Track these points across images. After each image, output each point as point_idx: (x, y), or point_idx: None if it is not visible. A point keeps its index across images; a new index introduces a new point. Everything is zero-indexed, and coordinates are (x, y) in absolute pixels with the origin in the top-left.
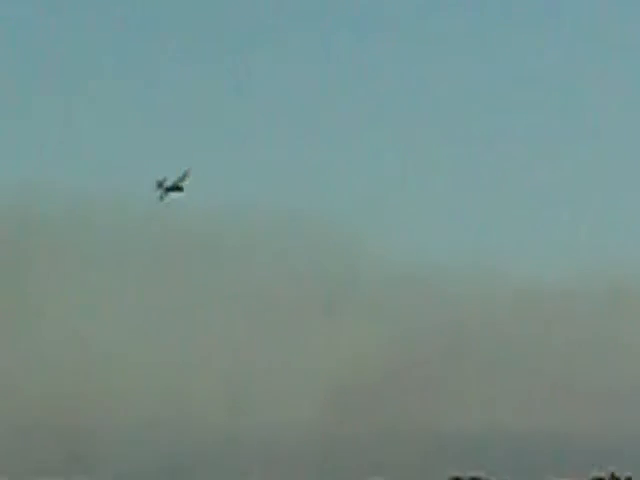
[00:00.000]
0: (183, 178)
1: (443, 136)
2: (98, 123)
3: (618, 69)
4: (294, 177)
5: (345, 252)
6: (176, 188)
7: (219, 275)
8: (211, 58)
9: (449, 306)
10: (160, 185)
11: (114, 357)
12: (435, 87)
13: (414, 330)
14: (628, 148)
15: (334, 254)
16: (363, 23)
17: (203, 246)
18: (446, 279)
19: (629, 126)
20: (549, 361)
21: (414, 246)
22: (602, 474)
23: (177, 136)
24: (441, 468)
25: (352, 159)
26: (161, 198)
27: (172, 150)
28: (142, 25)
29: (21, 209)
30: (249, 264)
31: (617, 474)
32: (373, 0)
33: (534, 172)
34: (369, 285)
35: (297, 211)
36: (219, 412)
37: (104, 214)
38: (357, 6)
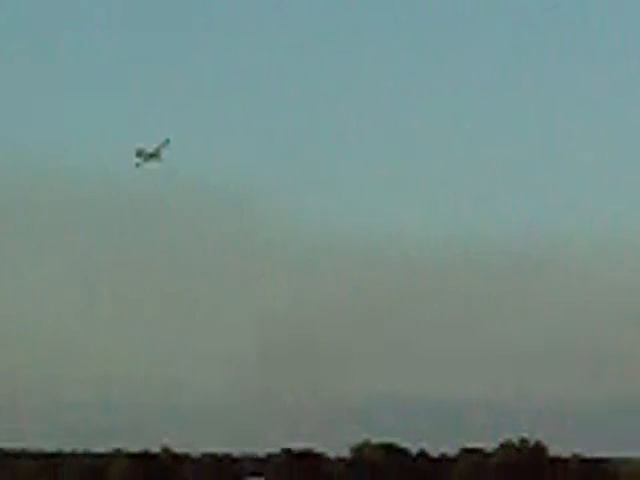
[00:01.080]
0: (161, 147)
1: None
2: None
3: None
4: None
5: (261, 220)
6: (153, 155)
7: (136, 241)
8: None
9: (361, 272)
10: (139, 153)
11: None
12: None
13: (325, 295)
14: None
15: (251, 222)
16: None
17: (119, 214)
18: (357, 247)
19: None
20: (465, 327)
21: (330, 214)
22: (513, 438)
23: None
24: (353, 433)
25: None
26: (137, 165)
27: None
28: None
29: None
30: (166, 231)
31: (528, 438)
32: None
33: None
34: (283, 251)
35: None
36: (135, 372)
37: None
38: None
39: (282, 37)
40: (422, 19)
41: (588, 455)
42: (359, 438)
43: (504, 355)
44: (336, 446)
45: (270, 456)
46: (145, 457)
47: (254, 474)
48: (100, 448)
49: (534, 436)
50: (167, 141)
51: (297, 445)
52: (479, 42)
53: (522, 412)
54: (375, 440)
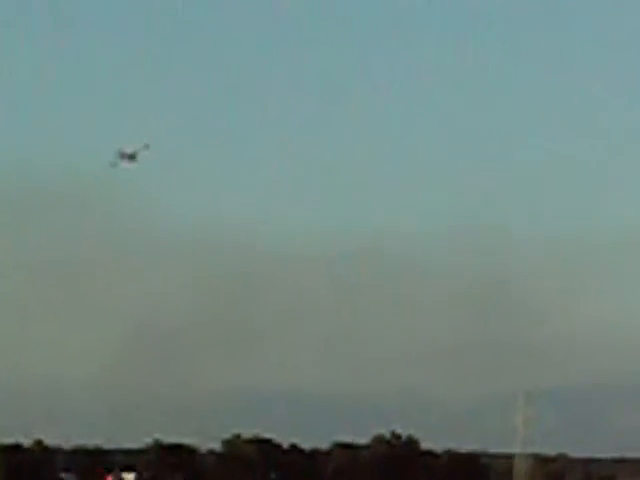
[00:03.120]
0: (140, 149)
1: None
2: None
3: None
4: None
5: (142, 209)
6: (131, 157)
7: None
8: None
9: (245, 259)
10: (121, 154)
11: None
12: None
13: (207, 282)
14: None
15: (131, 211)
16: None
17: None
18: (244, 234)
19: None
20: (335, 322)
21: (208, 203)
22: (384, 432)
23: None
24: (225, 426)
25: None
26: (114, 164)
27: None
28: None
29: None
30: (46, 222)
31: (399, 432)
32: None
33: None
34: (152, 246)
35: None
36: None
37: None
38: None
39: None
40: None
41: (460, 449)
42: (230, 432)
43: (377, 352)
44: (208, 439)
45: (142, 449)
46: (16, 449)
47: (126, 467)
48: None
49: (406, 431)
50: (146, 145)
51: (169, 438)
52: None
53: (394, 407)
54: (247, 434)
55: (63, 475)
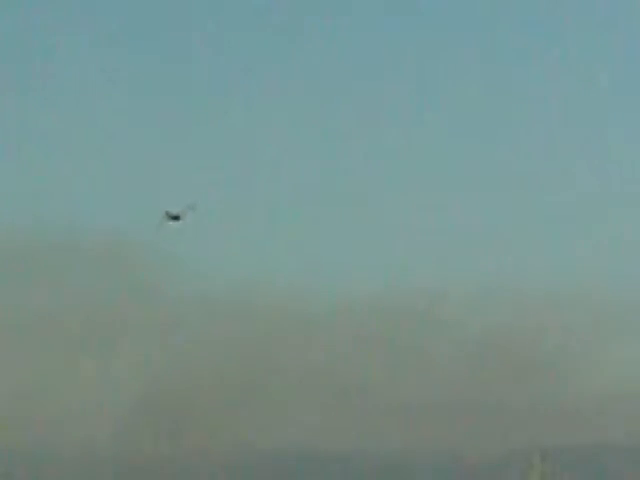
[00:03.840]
0: (186, 210)
1: None
2: None
3: None
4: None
5: (145, 271)
6: (175, 217)
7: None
8: None
9: (257, 324)
10: (169, 215)
11: None
12: None
13: (217, 347)
14: None
15: (135, 272)
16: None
17: None
18: (258, 295)
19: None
20: (350, 381)
21: (206, 264)
22: None
23: None
24: None
25: None
26: (160, 225)
27: None
28: None
29: None
30: (46, 281)
31: None
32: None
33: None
34: (168, 303)
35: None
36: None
37: None
38: None
39: None
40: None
41: None
42: None
43: (393, 409)
44: None
45: None
46: None
47: None
48: None
49: None
50: (193, 206)
51: None
52: None
53: (409, 468)
54: None
55: None
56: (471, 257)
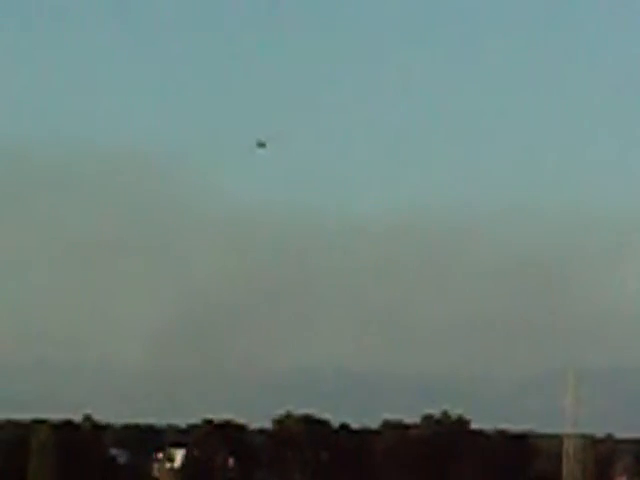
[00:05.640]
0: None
1: None
2: None
3: None
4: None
5: (181, 196)
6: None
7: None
8: None
9: (278, 245)
10: (258, 143)
11: None
12: None
13: (238, 269)
14: None
15: (170, 196)
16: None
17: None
18: (284, 216)
19: None
20: (382, 299)
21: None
22: (435, 411)
23: None
24: (275, 404)
25: None
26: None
27: None
28: None
29: None
30: (85, 202)
31: (449, 412)
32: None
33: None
34: (201, 226)
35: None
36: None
37: None
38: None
39: None
40: None
41: (510, 429)
42: (281, 410)
43: (426, 330)
44: (258, 417)
45: (191, 427)
46: (67, 426)
47: (176, 444)
48: (22, 417)
49: (455, 410)
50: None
51: (219, 416)
52: None
53: (443, 386)
54: (297, 412)
55: (114, 451)
56: (496, 174)
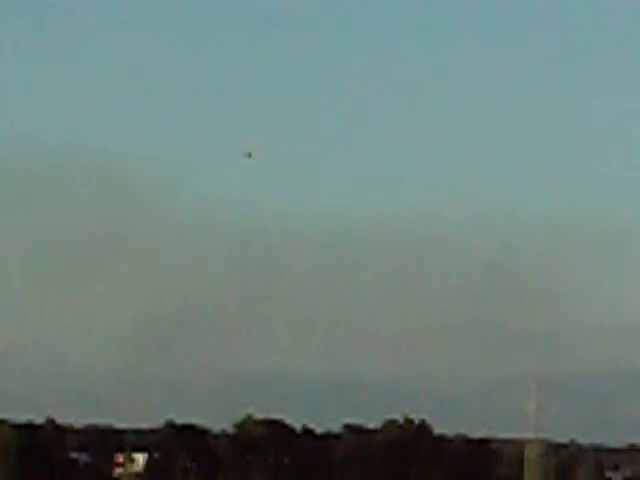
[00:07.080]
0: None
1: None
2: None
3: None
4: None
5: (144, 197)
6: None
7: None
8: None
9: (255, 244)
10: (246, 153)
11: None
12: None
13: (215, 268)
14: None
15: (134, 198)
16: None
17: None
18: (252, 216)
19: None
20: (348, 305)
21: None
22: (397, 416)
23: None
24: (237, 408)
25: None
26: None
27: None
28: None
29: None
30: (47, 207)
31: (411, 417)
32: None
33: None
34: (164, 227)
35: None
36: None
37: None
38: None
39: None
40: None
41: (472, 435)
42: (242, 413)
43: (390, 334)
44: (219, 421)
45: (153, 429)
46: (28, 427)
47: (138, 447)
48: None
49: (418, 415)
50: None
51: (181, 419)
52: None
53: (406, 391)
54: (258, 416)
55: (75, 455)
56: (469, 180)
